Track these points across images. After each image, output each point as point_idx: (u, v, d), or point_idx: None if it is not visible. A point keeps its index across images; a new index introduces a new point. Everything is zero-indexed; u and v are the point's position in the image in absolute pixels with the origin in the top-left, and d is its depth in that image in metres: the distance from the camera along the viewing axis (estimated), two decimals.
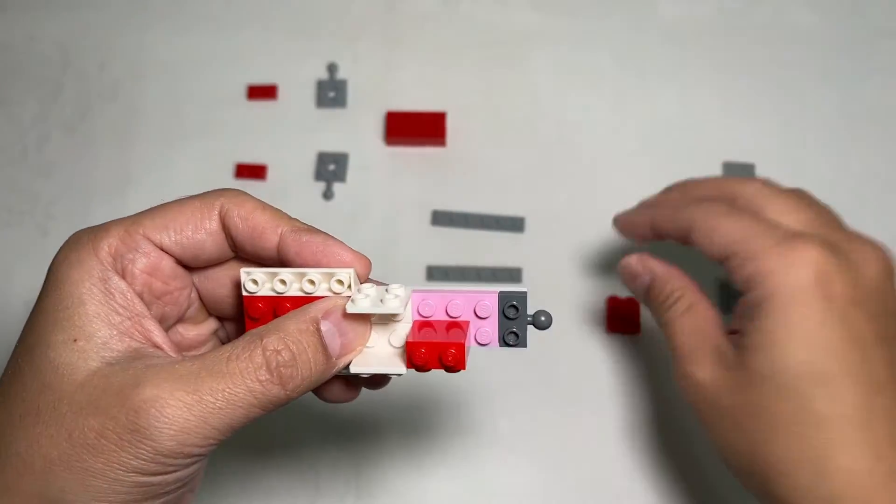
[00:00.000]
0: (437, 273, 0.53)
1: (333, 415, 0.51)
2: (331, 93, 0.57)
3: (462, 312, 0.31)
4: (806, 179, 0.55)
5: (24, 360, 0.29)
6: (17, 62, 0.60)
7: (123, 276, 0.30)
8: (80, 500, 0.28)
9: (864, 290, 0.36)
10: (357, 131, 0.57)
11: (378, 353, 0.32)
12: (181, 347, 0.34)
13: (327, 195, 0.55)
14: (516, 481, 0.50)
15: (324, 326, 0.30)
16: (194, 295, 0.34)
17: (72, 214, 0.56)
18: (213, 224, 0.32)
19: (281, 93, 0.58)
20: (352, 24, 0.59)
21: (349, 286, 0.31)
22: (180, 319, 0.34)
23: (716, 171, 0.55)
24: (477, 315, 0.31)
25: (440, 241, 0.54)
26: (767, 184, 0.41)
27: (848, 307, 0.35)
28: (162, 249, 0.31)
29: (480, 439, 0.50)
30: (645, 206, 0.46)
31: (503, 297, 0.31)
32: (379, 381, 0.35)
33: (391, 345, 0.32)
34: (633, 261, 0.43)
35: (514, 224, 0.54)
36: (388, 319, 0.32)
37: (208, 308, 0.35)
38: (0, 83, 0.59)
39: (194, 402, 0.27)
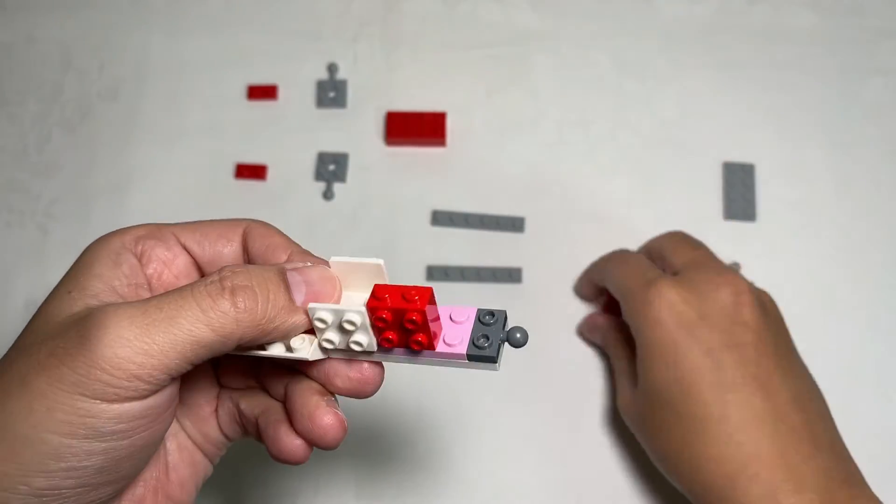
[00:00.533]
0: (436, 273, 0.53)
1: None
2: (331, 93, 0.57)
3: (433, 316, 0.30)
4: (806, 179, 0.55)
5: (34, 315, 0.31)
6: (17, 62, 0.60)
7: (140, 258, 0.32)
8: (23, 426, 0.27)
9: (711, 310, 0.42)
10: (357, 131, 0.57)
11: (356, 336, 0.31)
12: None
13: (327, 195, 0.56)
14: (516, 481, 0.50)
15: (290, 275, 0.30)
16: None
17: (72, 214, 0.56)
18: (236, 239, 0.34)
19: (281, 93, 0.58)
20: (352, 24, 0.59)
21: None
22: None
23: (716, 171, 0.55)
24: (452, 319, 0.31)
25: (440, 241, 0.54)
26: (673, 235, 0.49)
27: (696, 326, 0.42)
28: (184, 248, 0.33)
29: (480, 439, 0.50)
30: (586, 269, 0.53)
31: (482, 310, 0.30)
32: (361, 383, 0.33)
33: (368, 328, 0.31)
34: (589, 319, 0.52)
35: (514, 224, 0.54)
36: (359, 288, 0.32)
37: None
38: (0, 83, 0.59)
39: (138, 312, 0.27)
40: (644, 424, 0.45)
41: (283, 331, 0.30)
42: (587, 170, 0.56)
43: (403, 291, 0.29)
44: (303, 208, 0.55)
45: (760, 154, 0.56)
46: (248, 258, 0.34)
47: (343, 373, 0.32)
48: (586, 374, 0.52)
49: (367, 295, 0.30)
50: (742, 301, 0.43)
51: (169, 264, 0.33)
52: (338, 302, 0.31)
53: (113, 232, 0.33)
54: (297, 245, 0.33)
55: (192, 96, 0.58)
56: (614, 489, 0.49)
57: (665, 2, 0.59)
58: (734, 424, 0.40)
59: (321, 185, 0.56)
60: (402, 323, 0.29)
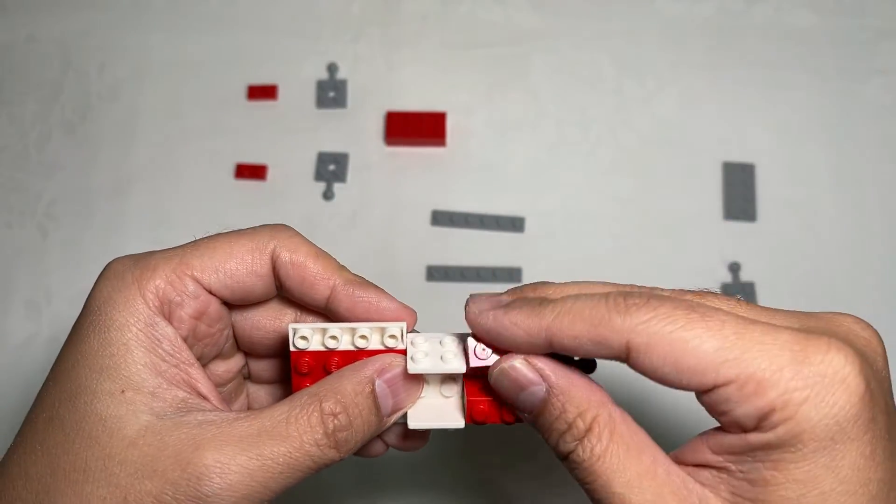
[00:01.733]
0: (436, 273, 0.53)
1: None
2: (331, 93, 0.57)
3: None
4: (806, 179, 0.55)
5: (64, 408, 0.28)
6: (17, 62, 0.60)
7: (170, 321, 0.29)
8: None
9: (886, 390, 0.27)
10: (357, 131, 0.57)
11: (432, 405, 0.31)
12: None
13: (327, 195, 0.55)
14: (516, 479, 0.50)
15: (378, 387, 0.29)
16: (229, 332, 0.33)
17: (72, 214, 0.56)
18: (265, 268, 0.31)
19: (281, 93, 0.58)
20: (352, 24, 0.59)
21: (401, 339, 0.31)
22: (217, 358, 0.34)
23: (716, 171, 0.55)
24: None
25: (440, 241, 0.54)
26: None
27: (892, 425, 0.26)
28: (211, 292, 0.31)
29: (480, 438, 0.50)
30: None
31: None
32: (425, 435, 0.34)
33: (443, 395, 0.32)
34: (518, 364, 0.29)
35: (514, 224, 0.54)
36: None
37: (239, 345, 0.34)
38: (0, 83, 0.59)
39: (257, 468, 0.27)
40: None
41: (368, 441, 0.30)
42: (587, 170, 0.56)
43: (501, 407, 0.30)
44: (303, 208, 0.55)
45: (760, 154, 0.56)
46: (279, 284, 0.31)
47: (392, 440, 0.34)
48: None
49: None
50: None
51: (201, 317, 0.31)
52: (417, 399, 0.32)
53: (124, 280, 0.29)
54: (333, 264, 0.31)
55: (192, 96, 0.58)
56: None
57: (665, 2, 0.59)
58: None
59: (321, 185, 0.56)
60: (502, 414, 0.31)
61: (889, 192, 0.55)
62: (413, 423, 0.31)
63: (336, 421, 0.28)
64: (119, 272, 0.29)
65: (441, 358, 0.30)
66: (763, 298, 0.52)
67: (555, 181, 0.55)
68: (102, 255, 0.54)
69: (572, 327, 0.26)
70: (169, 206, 0.56)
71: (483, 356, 0.29)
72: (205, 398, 0.29)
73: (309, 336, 0.30)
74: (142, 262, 0.30)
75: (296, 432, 0.28)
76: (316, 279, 0.31)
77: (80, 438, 0.27)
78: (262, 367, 0.35)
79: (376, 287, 0.31)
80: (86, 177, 0.57)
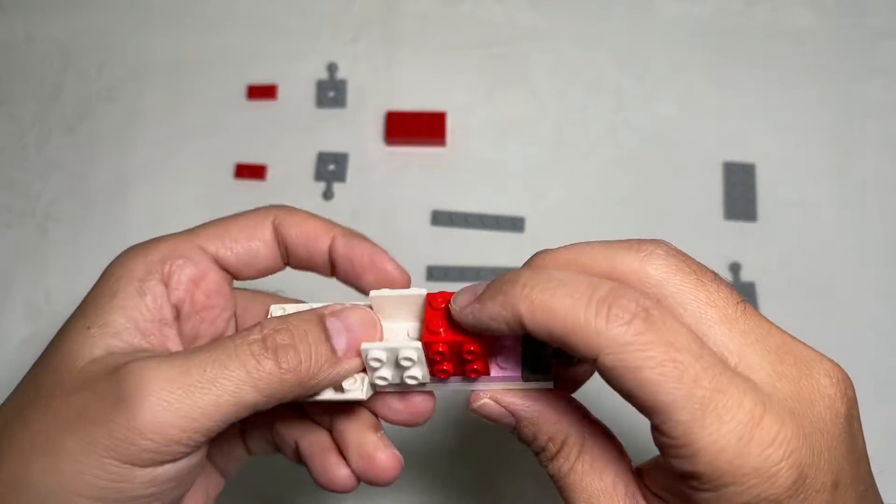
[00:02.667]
0: (437, 273, 0.53)
1: None
2: (331, 93, 0.57)
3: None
4: (806, 179, 0.55)
5: (47, 347, 0.29)
6: (16, 62, 0.60)
7: (167, 282, 0.30)
8: (50, 485, 0.26)
9: (838, 456, 0.25)
10: (357, 131, 0.57)
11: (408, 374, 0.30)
12: None
13: (327, 195, 0.55)
14: (516, 478, 0.50)
15: (330, 322, 0.29)
16: (233, 323, 0.33)
17: (72, 214, 0.56)
18: (267, 233, 0.32)
19: (281, 93, 0.58)
20: (352, 24, 0.59)
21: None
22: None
23: (716, 171, 0.55)
24: (499, 339, 0.30)
25: (440, 241, 0.54)
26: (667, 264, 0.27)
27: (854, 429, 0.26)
28: (216, 261, 0.32)
29: (480, 436, 0.50)
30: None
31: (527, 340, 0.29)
32: (427, 406, 0.32)
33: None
34: (486, 402, 0.30)
35: (514, 224, 0.54)
36: (407, 316, 0.31)
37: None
38: (0, 83, 0.59)
39: (181, 373, 0.26)
40: None
41: (326, 384, 0.29)
42: (587, 170, 0.56)
43: (460, 349, 0.29)
44: (303, 208, 0.55)
45: (760, 154, 0.55)
46: (285, 251, 0.33)
47: (396, 406, 0.31)
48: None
49: (409, 324, 0.30)
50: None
51: (199, 283, 0.31)
52: (379, 340, 0.30)
53: (137, 249, 0.31)
54: (336, 225, 0.33)
55: (191, 96, 0.58)
56: None
57: (665, 2, 0.59)
58: None
59: (321, 185, 0.56)
60: (461, 354, 0.29)
61: (889, 192, 0.55)
62: (380, 381, 0.30)
63: (278, 336, 0.27)
64: (132, 246, 0.31)
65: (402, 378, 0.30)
66: (763, 298, 0.52)
67: (555, 181, 0.55)
68: (102, 255, 0.54)
69: (547, 322, 0.25)
70: (169, 206, 0.56)
71: (505, 365, 0.30)
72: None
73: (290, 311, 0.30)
74: (157, 238, 0.32)
75: (231, 344, 0.27)
76: (318, 232, 0.32)
77: (44, 370, 0.28)
78: None
79: (373, 244, 0.33)
80: (85, 177, 0.57)
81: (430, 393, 0.31)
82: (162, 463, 0.26)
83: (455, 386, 0.30)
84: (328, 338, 0.28)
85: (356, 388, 0.30)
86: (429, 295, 0.29)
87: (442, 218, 0.55)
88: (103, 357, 0.27)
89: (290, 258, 0.33)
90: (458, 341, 0.28)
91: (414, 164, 0.56)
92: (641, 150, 0.56)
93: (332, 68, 0.58)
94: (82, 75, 0.59)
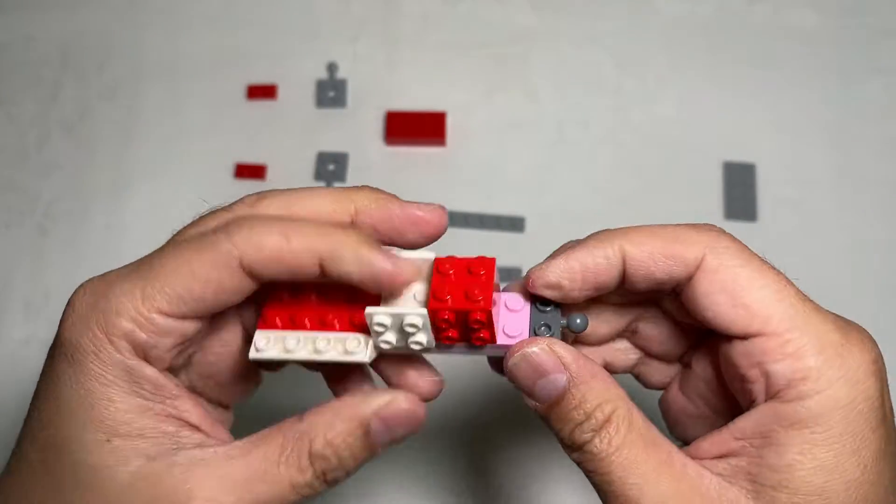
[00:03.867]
0: None
1: None
2: (331, 93, 0.57)
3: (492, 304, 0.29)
4: (806, 179, 0.55)
5: (51, 456, 0.28)
6: (16, 62, 0.59)
7: (148, 361, 0.28)
8: None
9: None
10: (357, 131, 0.57)
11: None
12: (209, 363, 0.32)
13: None
14: (516, 476, 0.50)
15: (374, 426, 0.28)
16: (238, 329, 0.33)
17: (72, 214, 0.56)
18: (234, 282, 0.28)
19: (281, 93, 0.58)
20: (352, 24, 0.59)
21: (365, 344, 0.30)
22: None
23: (716, 171, 0.55)
24: (507, 307, 0.30)
25: (440, 240, 0.54)
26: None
27: (883, 457, 0.27)
28: (182, 318, 0.28)
29: (480, 436, 0.50)
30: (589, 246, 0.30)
31: (535, 296, 0.30)
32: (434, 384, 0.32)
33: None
34: (540, 350, 0.28)
35: (514, 224, 0.54)
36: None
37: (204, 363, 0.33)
38: (0, 83, 0.59)
39: (245, 493, 0.27)
40: None
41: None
42: (587, 170, 0.56)
43: (466, 287, 0.28)
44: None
45: (760, 154, 0.55)
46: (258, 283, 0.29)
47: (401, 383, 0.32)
48: None
49: (418, 286, 0.30)
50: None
51: (180, 345, 0.29)
52: (418, 430, 0.30)
53: (93, 330, 0.27)
54: (312, 233, 0.28)
55: (191, 96, 0.58)
56: None
57: (665, 2, 0.59)
58: None
59: (321, 185, 0.56)
60: (467, 322, 0.29)
61: (889, 192, 0.55)
62: (384, 345, 0.30)
63: (325, 463, 0.28)
64: (83, 315, 0.28)
65: (403, 331, 0.29)
66: None
67: (555, 181, 0.55)
68: (102, 255, 0.54)
69: (645, 242, 0.28)
70: (168, 206, 0.55)
71: (512, 333, 0.29)
72: (195, 427, 0.29)
73: (271, 340, 0.30)
74: (102, 302, 0.28)
75: (286, 475, 0.27)
76: (301, 262, 0.28)
77: (74, 487, 0.27)
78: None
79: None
80: (85, 177, 0.57)
81: (439, 380, 0.32)
82: None
83: (460, 352, 0.31)
84: (371, 445, 0.28)
85: (360, 351, 0.30)
86: (437, 260, 0.30)
87: None
88: (143, 468, 0.27)
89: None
90: (464, 310, 0.28)
91: (414, 164, 0.56)
92: (641, 150, 0.56)
93: (332, 68, 0.58)
94: (82, 75, 0.59)
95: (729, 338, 0.28)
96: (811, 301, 0.27)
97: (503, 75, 0.58)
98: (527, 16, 0.59)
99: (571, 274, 0.28)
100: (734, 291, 0.27)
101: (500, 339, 0.29)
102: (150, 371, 0.28)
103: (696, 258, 0.27)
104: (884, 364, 0.27)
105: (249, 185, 0.56)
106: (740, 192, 0.54)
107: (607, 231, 0.29)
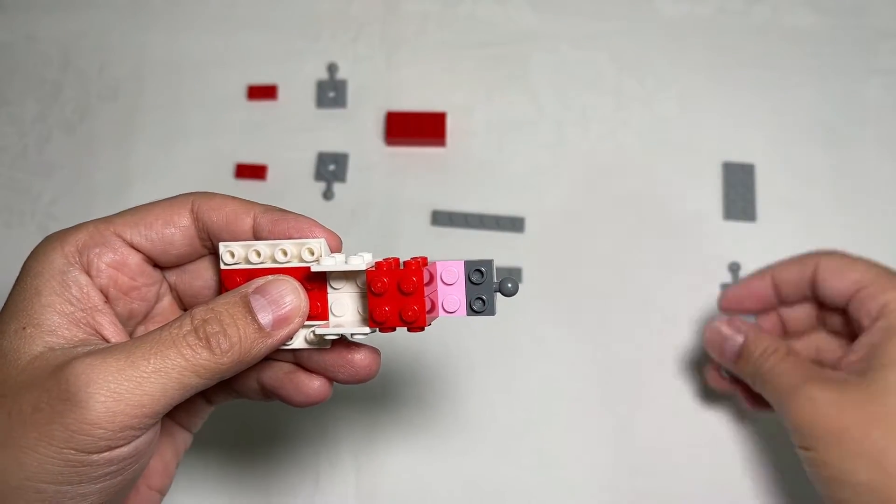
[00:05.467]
0: None
1: (333, 411, 0.51)
2: (331, 93, 0.57)
3: (427, 279, 0.32)
4: (806, 179, 0.55)
5: None
6: (17, 62, 0.60)
7: (88, 271, 0.31)
8: (14, 478, 0.28)
9: None
10: (357, 131, 0.57)
11: (344, 322, 0.33)
12: None
13: (327, 195, 0.56)
14: (515, 476, 0.50)
15: (253, 300, 0.30)
16: (164, 290, 0.35)
17: (72, 214, 0.56)
18: (184, 220, 0.33)
19: (281, 93, 0.58)
20: (352, 24, 0.59)
21: (318, 256, 0.32)
22: (149, 316, 0.35)
23: (716, 171, 0.55)
24: (443, 281, 0.32)
25: (440, 241, 0.54)
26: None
27: None
28: (132, 246, 0.32)
29: (480, 435, 0.50)
30: (757, 273, 0.47)
31: (469, 264, 0.32)
32: (357, 371, 0.34)
33: (359, 313, 0.33)
34: (724, 325, 0.45)
35: (514, 224, 0.54)
36: (353, 279, 0.32)
37: (186, 304, 0.35)
38: (0, 83, 0.59)
39: (126, 365, 0.28)
40: (862, 426, 0.38)
41: (263, 355, 0.31)
42: (587, 170, 0.56)
43: (401, 307, 0.31)
44: (303, 208, 0.54)
45: (760, 154, 0.56)
46: (207, 234, 0.33)
47: (336, 363, 0.33)
48: (587, 372, 0.52)
49: (356, 287, 0.33)
50: None
51: (121, 268, 0.32)
52: (306, 311, 0.32)
53: (51, 240, 0.32)
54: (255, 204, 0.33)
55: (191, 96, 0.58)
56: (601, 488, 0.49)
57: (665, 2, 0.59)
58: None
59: (321, 185, 0.56)
60: (400, 286, 0.31)
61: (888, 192, 0.55)
62: (320, 331, 0.32)
63: (207, 326, 0.29)
64: (50, 236, 0.32)
65: (346, 262, 0.31)
66: None
67: (555, 181, 0.56)
68: None
69: (789, 270, 0.45)
70: None
71: (451, 308, 0.32)
72: (107, 341, 0.31)
73: (237, 254, 0.32)
74: (72, 227, 0.32)
75: (167, 335, 0.29)
76: (237, 213, 0.32)
77: None
78: None
79: (297, 213, 0.33)
80: (86, 177, 0.57)
81: (375, 351, 0.34)
82: (117, 447, 0.28)
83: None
84: (254, 317, 0.30)
85: (297, 340, 0.33)
86: (369, 274, 0.31)
87: (442, 218, 0.55)
88: (44, 354, 0.29)
89: (213, 243, 0.33)
90: (400, 326, 0.31)
91: (414, 164, 0.56)
92: (641, 150, 0.56)
93: (332, 68, 0.58)
94: (82, 75, 0.59)
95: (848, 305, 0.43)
96: (884, 270, 0.43)
97: (503, 75, 0.58)
98: (527, 16, 0.59)
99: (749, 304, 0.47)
100: (841, 275, 0.43)
101: (441, 314, 0.32)
102: (83, 279, 0.31)
103: (815, 264, 0.45)
104: None
105: (250, 186, 0.56)
106: (739, 192, 0.54)
107: (764, 272, 0.47)
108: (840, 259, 0.43)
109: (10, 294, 0.31)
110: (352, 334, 0.32)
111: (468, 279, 0.32)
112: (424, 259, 0.32)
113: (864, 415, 0.38)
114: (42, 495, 0.28)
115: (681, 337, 0.52)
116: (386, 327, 0.31)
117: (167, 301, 0.35)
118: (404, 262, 0.31)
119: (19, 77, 0.59)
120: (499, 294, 0.32)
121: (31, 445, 0.27)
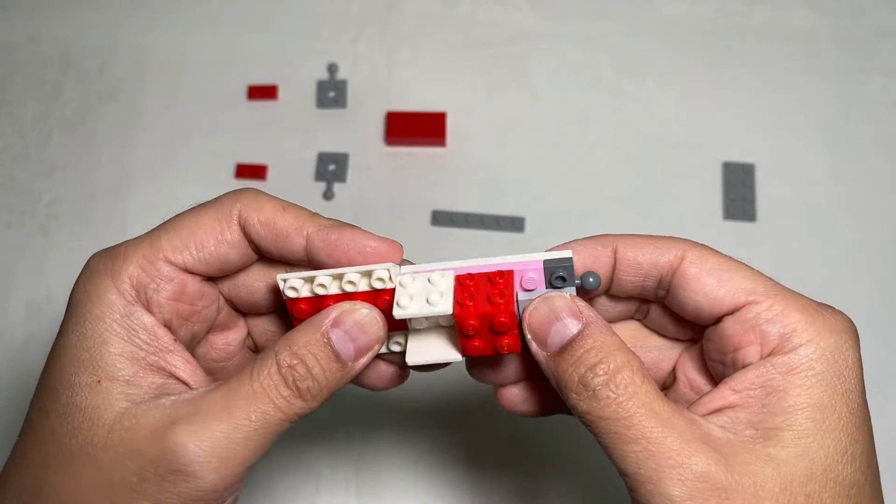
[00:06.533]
0: None
1: (334, 415, 0.51)
2: (331, 93, 0.57)
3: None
4: (806, 179, 0.55)
5: (49, 400, 0.29)
6: (17, 62, 0.60)
7: (149, 308, 0.30)
8: None
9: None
10: (357, 131, 0.57)
11: (429, 340, 0.32)
12: (210, 359, 0.34)
13: (327, 195, 0.56)
14: (515, 480, 0.50)
15: (333, 335, 0.30)
16: (222, 302, 0.34)
17: (72, 214, 0.56)
18: (234, 235, 0.31)
19: (281, 93, 0.58)
20: (352, 24, 0.59)
21: (389, 280, 0.31)
22: (213, 331, 0.34)
23: (716, 171, 0.55)
24: (523, 288, 0.31)
25: (440, 241, 0.54)
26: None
27: (863, 404, 0.30)
28: (185, 269, 0.31)
29: (480, 439, 0.50)
30: (598, 237, 0.34)
31: (548, 267, 0.30)
32: (400, 374, 0.34)
33: (441, 325, 0.32)
34: (558, 296, 0.30)
35: (514, 224, 0.54)
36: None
37: (244, 310, 0.34)
38: (1, 83, 0.59)
39: (230, 429, 0.28)
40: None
41: (343, 385, 0.31)
42: (587, 170, 0.56)
43: (495, 343, 0.29)
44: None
45: (760, 154, 0.56)
46: (255, 247, 0.31)
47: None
48: None
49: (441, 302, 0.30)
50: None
51: (180, 297, 0.31)
52: (383, 339, 0.31)
53: (99, 274, 0.30)
54: (307, 216, 0.31)
55: (192, 96, 0.58)
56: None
57: (665, 2, 0.59)
58: None
59: (321, 185, 0.56)
60: (492, 326, 0.29)
61: (889, 192, 0.55)
62: (412, 359, 0.31)
63: (294, 372, 0.29)
64: (93, 267, 0.30)
65: (427, 300, 0.30)
66: None
67: (555, 181, 0.56)
68: None
69: (642, 251, 0.33)
70: (168, 206, 0.55)
71: (529, 286, 0.30)
72: (185, 383, 0.30)
73: (298, 286, 0.31)
74: (113, 252, 0.30)
75: (259, 388, 0.28)
76: (288, 231, 0.31)
77: (65, 427, 0.28)
78: (269, 331, 0.35)
79: (352, 226, 0.31)
80: (86, 177, 0.57)
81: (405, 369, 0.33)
82: (224, 500, 0.29)
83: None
84: (337, 355, 0.30)
85: (388, 283, 0.31)
86: (457, 318, 0.29)
87: (442, 218, 0.55)
88: (129, 410, 0.28)
89: (261, 253, 0.32)
90: (493, 347, 0.30)
91: (414, 164, 0.56)
92: (641, 150, 0.56)
93: (332, 68, 0.58)
94: (83, 75, 0.59)
95: (717, 321, 0.30)
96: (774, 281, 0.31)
97: (503, 75, 0.58)
98: (527, 16, 0.59)
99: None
100: (720, 273, 0.30)
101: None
102: (148, 319, 0.29)
103: (678, 254, 0.31)
104: (857, 331, 0.30)
105: (250, 186, 0.56)
106: (740, 192, 0.54)
107: (607, 238, 0.34)
108: (714, 256, 0.31)
109: (68, 337, 0.29)
110: (445, 363, 0.31)
111: (549, 285, 0.30)
112: (511, 275, 0.30)
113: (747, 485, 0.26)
114: None
115: None
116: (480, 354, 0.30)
117: (225, 313, 0.34)
118: (490, 278, 0.29)
119: (19, 77, 0.59)
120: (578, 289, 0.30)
121: None
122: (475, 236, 0.54)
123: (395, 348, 0.32)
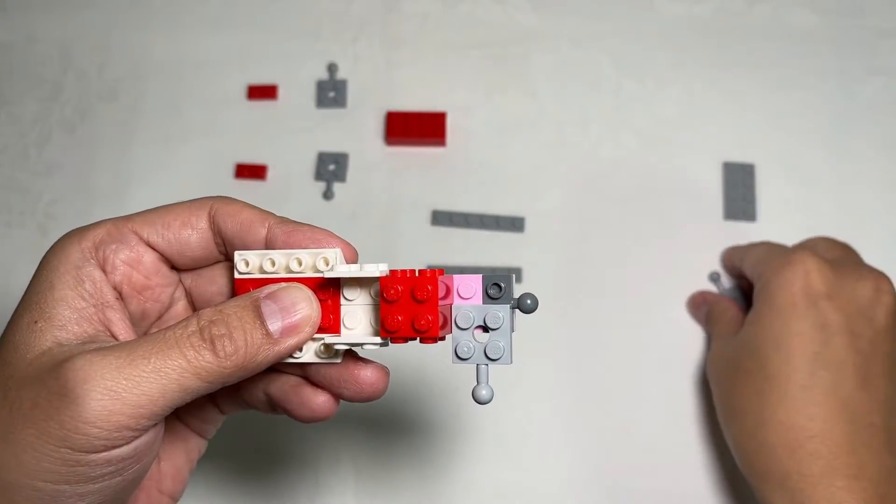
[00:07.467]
0: None
1: (334, 416, 0.51)
2: (331, 93, 0.57)
3: (443, 293, 0.31)
4: (806, 179, 0.55)
5: None
6: (17, 62, 0.60)
7: (103, 266, 0.31)
8: (13, 475, 0.27)
9: (844, 293, 0.43)
10: (357, 131, 0.57)
11: (356, 334, 0.32)
12: None
13: (327, 195, 0.56)
14: (514, 481, 0.50)
15: (264, 305, 0.30)
16: (179, 294, 0.34)
17: (72, 214, 0.56)
18: (202, 223, 0.32)
19: (281, 93, 0.58)
20: (352, 24, 0.59)
21: (333, 266, 0.31)
22: (163, 319, 0.34)
23: (716, 171, 0.55)
24: (460, 295, 0.31)
25: (440, 241, 0.54)
26: (825, 238, 0.50)
27: (821, 299, 0.43)
28: (149, 245, 0.32)
29: (480, 436, 0.50)
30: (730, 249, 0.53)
31: (487, 277, 0.31)
32: (363, 388, 0.33)
33: (371, 326, 0.32)
34: (697, 295, 0.52)
35: (514, 224, 0.54)
36: (367, 288, 0.32)
37: (200, 309, 0.34)
38: (0, 83, 0.59)
39: (126, 363, 0.27)
40: (726, 374, 0.45)
41: (269, 363, 0.30)
42: (587, 170, 0.56)
43: (414, 315, 0.30)
44: (303, 208, 0.55)
45: (760, 154, 0.56)
46: (221, 240, 0.33)
47: (344, 379, 0.33)
48: (587, 371, 0.52)
49: (370, 293, 0.32)
50: (881, 300, 0.43)
51: (136, 265, 0.32)
52: (317, 322, 0.31)
53: (70, 236, 0.32)
54: (271, 214, 0.33)
55: (192, 96, 0.58)
56: (609, 487, 0.49)
57: (665, 2, 0.59)
58: (814, 398, 0.41)
59: (321, 185, 0.56)
60: (413, 293, 0.30)
61: (889, 192, 0.55)
62: (330, 340, 0.31)
63: (214, 327, 0.29)
64: (69, 232, 0.32)
65: (361, 269, 0.31)
66: None
67: (555, 181, 0.56)
68: None
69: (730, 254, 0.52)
70: None
71: (464, 326, 0.31)
72: (116, 338, 0.31)
73: (252, 262, 0.32)
74: (91, 224, 0.32)
75: (171, 336, 0.28)
76: (252, 221, 0.32)
77: (1, 364, 0.29)
78: None
79: (312, 225, 0.33)
80: (86, 177, 0.57)
81: (384, 370, 0.33)
82: (115, 447, 0.28)
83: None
84: (263, 323, 0.30)
85: (306, 353, 0.32)
86: (382, 281, 0.30)
87: (442, 218, 0.55)
88: (51, 349, 0.29)
89: (227, 249, 0.33)
90: (412, 336, 0.30)
91: (414, 164, 0.56)
92: (641, 150, 0.56)
93: (332, 68, 0.58)
94: (83, 75, 0.59)
95: None
96: (783, 250, 0.49)
97: (503, 75, 0.58)
98: (527, 16, 0.59)
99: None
100: (749, 263, 0.51)
101: (454, 331, 0.31)
102: (97, 274, 0.31)
103: (739, 260, 0.53)
104: (810, 266, 0.44)
105: (250, 186, 0.56)
106: (740, 192, 0.54)
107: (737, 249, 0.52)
108: (747, 249, 0.50)
109: (27, 288, 0.31)
110: (363, 345, 0.31)
111: (485, 293, 0.31)
112: (441, 271, 0.31)
113: (732, 362, 0.46)
114: (40, 493, 0.28)
115: (681, 337, 0.52)
116: (398, 337, 0.30)
117: (181, 305, 0.35)
118: (419, 272, 0.30)
119: (19, 77, 0.59)
120: (517, 311, 0.31)
121: (29, 442, 0.27)
122: (475, 236, 0.54)
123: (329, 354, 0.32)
